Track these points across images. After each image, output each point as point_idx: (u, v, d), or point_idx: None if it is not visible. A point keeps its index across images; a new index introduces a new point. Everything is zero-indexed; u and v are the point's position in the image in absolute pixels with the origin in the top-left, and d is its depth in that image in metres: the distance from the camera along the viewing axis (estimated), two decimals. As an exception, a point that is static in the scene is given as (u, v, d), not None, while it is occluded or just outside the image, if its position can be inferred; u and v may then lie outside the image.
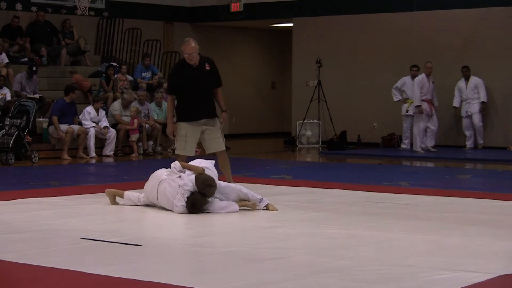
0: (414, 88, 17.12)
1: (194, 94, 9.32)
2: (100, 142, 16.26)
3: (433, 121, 17.27)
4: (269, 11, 21.14)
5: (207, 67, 9.37)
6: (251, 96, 23.78)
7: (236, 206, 8.28)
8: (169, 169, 8.30)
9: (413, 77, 17.96)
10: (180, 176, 8.17)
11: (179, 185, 8.10)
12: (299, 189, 10.34)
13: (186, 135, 9.37)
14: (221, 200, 8.28)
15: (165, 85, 18.59)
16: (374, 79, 19.21)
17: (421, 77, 17.09)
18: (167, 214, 8.10)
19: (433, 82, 17.21)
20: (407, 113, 17.94)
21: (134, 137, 16.55)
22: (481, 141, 17.83)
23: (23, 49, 18.12)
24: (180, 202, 8.05)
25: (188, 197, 8.03)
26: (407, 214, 8.22)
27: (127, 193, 8.65)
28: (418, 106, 17.03)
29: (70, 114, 15.91)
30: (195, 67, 9.29)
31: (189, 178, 8.11)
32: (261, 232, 7.24)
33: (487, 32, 17.98)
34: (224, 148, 9.54)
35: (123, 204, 8.60)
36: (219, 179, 8.39)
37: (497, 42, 17.88)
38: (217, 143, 9.47)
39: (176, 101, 9.46)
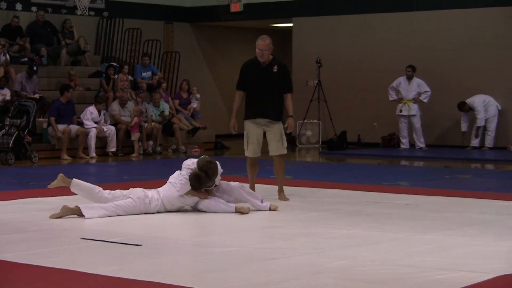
0: None
1: (256, 92, 9.30)
2: (100, 142, 16.26)
3: None
4: (269, 11, 21.13)
5: (275, 68, 9.28)
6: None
7: (232, 208, 8.30)
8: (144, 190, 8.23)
9: (408, 77, 17.99)
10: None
11: (182, 169, 8.15)
12: (299, 189, 10.34)
13: (248, 136, 9.39)
14: (221, 198, 8.36)
15: (164, 85, 18.64)
16: (374, 79, 19.20)
17: None
18: (167, 214, 8.10)
19: None
20: (400, 113, 17.98)
21: (135, 136, 16.55)
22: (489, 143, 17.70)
23: (23, 49, 18.11)
24: (184, 176, 8.07)
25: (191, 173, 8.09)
26: (407, 214, 8.22)
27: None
28: None
29: (68, 114, 15.89)
30: (263, 66, 9.26)
31: (192, 161, 8.18)
32: (261, 232, 7.25)
33: (487, 32, 17.97)
34: (281, 152, 9.40)
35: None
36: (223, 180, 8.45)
37: (497, 42, 17.87)
38: (274, 146, 9.36)
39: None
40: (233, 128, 9.51)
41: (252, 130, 9.36)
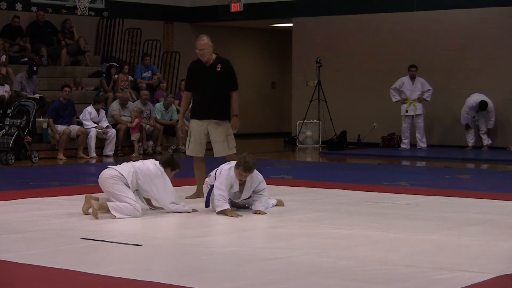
0: None
1: (202, 93, 9.27)
2: (100, 142, 16.25)
3: None
4: (269, 11, 21.14)
5: (219, 67, 9.23)
6: (251, 96, 23.77)
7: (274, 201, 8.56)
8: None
9: (411, 77, 17.97)
10: None
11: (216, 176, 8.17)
12: (299, 189, 10.35)
13: (190, 135, 9.35)
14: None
15: (163, 85, 18.62)
16: (374, 79, 19.20)
17: None
18: (167, 214, 8.10)
19: None
20: (406, 114, 17.96)
21: (134, 136, 16.54)
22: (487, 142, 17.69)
23: (23, 49, 18.12)
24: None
25: None
26: (407, 214, 8.22)
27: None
28: None
29: (68, 114, 15.86)
30: (206, 66, 9.25)
31: (230, 166, 8.17)
32: (261, 232, 7.25)
33: (487, 32, 17.97)
34: (226, 153, 9.27)
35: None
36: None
37: (497, 42, 17.87)
38: (218, 148, 9.31)
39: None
40: (181, 130, 9.58)
41: (195, 129, 9.29)
